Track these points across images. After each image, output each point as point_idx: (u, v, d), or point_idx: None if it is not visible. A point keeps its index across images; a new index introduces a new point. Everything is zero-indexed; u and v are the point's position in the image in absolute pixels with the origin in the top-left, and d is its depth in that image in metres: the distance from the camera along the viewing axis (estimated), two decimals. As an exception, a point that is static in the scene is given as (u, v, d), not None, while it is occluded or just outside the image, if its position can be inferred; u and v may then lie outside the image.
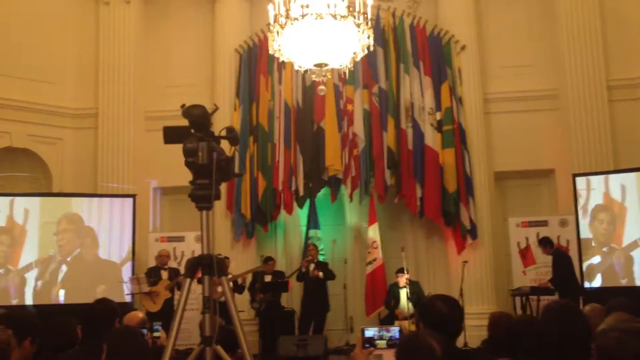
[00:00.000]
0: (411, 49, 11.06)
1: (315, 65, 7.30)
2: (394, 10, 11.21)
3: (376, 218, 10.99)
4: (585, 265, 10.12)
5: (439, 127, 10.79)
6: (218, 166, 3.21)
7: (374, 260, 10.84)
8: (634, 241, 9.91)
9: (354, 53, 7.41)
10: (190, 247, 10.65)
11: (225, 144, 3.35)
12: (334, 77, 10.26)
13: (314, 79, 7.81)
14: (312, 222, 11.17)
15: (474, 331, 7.90)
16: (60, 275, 10.54)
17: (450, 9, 11.18)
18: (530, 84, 11.17)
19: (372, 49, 7.68)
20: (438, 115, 10.81)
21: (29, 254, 10.43)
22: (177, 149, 3.27)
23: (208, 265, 3.22)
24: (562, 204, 10.89)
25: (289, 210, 11.00)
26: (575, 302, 7.54)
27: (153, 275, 9.96)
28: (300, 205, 11.12)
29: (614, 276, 10.02)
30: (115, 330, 3.50)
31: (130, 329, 3.78)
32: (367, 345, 3.24)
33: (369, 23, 7.34)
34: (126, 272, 10.61)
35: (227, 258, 9.20)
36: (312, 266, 10.35)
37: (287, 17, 7.08)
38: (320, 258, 10.72)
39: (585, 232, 10.24)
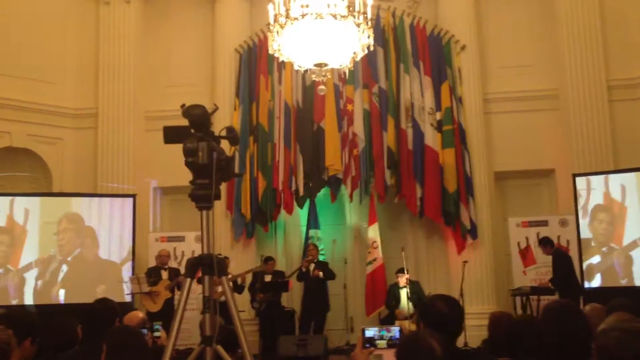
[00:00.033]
0: (411, 48, 11.06)
1: (315, 65, 7.30)
2: (394, 10, 11.21)
3: (376, 218, 10.99)
4: (584, 265, 10.12)
5: (439, 127, 10.79)
6: (218, 166, 3.21)
7: (374, 260, 10.84)
8: (634, 241, 9.91)
9: (354, 53, 7.41)
10: (191, 247, 10.65)
11: (225, 144, 3.35)
12: (334, 77, 10.26)
13: (314, 78, 7.81)
14: (312, 222, 11.16)
15: (475, 331, 7.90)
16: (61, 275, 10.54)
17: (450, 8, 11.18)
18: (531, 84, 11.17)
19: (372, 48, 7.68)
20: (438, 115, 10.81)
21: (29, 253, 10.43)
22: (177, 148, 3.27)
23: (208, 265, 3.22)
24: (562, 203, 10.89)
25: (289, 210, 11.01)
26: (576, 302, 7.54)
27: (153, 275, 9.96)
28: (301, 205, 11.12)
29: (613, 276, 10.02)
30: (114, 330, 3.50)
31: (129, 329, 3.78)
32: (367, 345, 3.23)
33: (369, 23, 7.34)
34: (126, 272, 10.61)
35: (227, 258, 9.20)
36: (312, 266, 10.35)
37: (287, 16, 7.07)
38: (321, 258, 10.72)
39: (585, 232, 10.24)
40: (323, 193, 11.14)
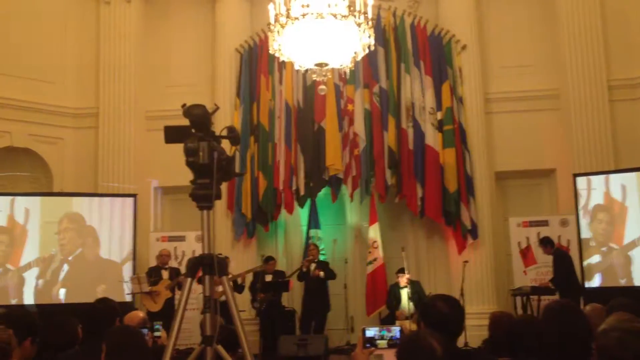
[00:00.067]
0: (412, 48, 11.06)
1: (316, 65, 7.30)
2: (394, 10, 11.21)
3: (377, 218, 10.98)
4: (584, 264, 10.12)
5: (439, 126, 10.79)
6: (219, 166, 3.21)
7: (375, 260, 10.84)
8: (633, 241, 9.91)
9: (355, 53, 7.41)
10: (191, 246, 10.65)
11: (226, 144, 3.35)
12: (334, 77, 10.26)
13: (314, 78, 7.81)
14: (313, 221, 11.17)
15: (475, 331, 7.89)
16: (62, 275, 10.55)
17: (451, 8, 11.17)
18: (531, 83, 11.16)
19: (372, 48, 7.69)
20: (439, 115, 10.81)
21: (29, 253, 10.45)
22: (178, 148, 3.27)
23: (209, 265, 3.22)
24: (563, 203, 10.89)
25: (290, 210, 11.01)
26: (576, 302, 7.54)
27: (154, 274, 9.96)
28: (301, 205, 11.12)
29: (613, 276, 10.02)
30: (114, 330, 3.49)
31: (129, 328, 3.78)
32: (367, 345, 3.23)
33: (370, 22, 7.34)
34: (127, 271, 10.62)
35: (227, 258, 9.19)
36: (312, 266, 10.35)
37: (288, 16, 7.07)
38: (321, 258, 10.73)
39: (585, 232, 10.24)
40: (324, 193, 11.13)
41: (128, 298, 10.17)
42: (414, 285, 10.25)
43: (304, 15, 6.96)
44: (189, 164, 3.24)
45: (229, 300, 3.26)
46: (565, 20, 10.93)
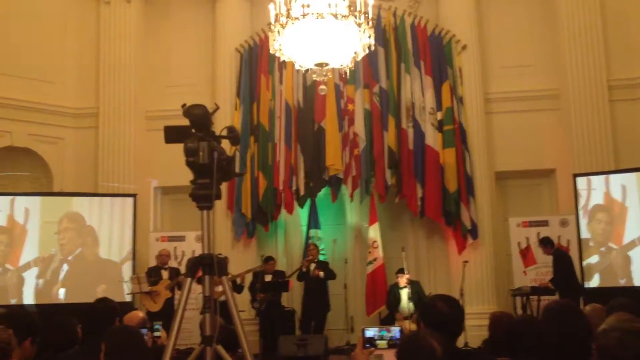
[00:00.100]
0: (412, 48, 11.06)
1: (316, 65, 7.30)
2: (395, 10, 11.21)
3: (377, 218, 10.98)
4: (584, 265, 10.12)
5: (439, 126, 10.79)
6: (219, 166, 3.21)
7: (375, 260, 10.84)
8: (632, 241, 9.91)
9: (355, 53, 7.41)
10: (191, 246, 10.65)
11: (226, 144, 3.35)
12: (334, 77, 10.26)
13: (314, 78, 7.81)
14: (313, 221, 11.16)
15: (475, 331, 7.90)
16: (62, 274, 10.55)
17: (451, 8, 11.17)
18: (531, 84, 11.16)
19: (373, 48, 7.69)
20: (439, 115, 10.81)
21: (29, 253, 10.44)
22: (178, 148, 3.27)
23: (209, 265, 3.22)
24: (563, 204, 10.89)
25: (290, 210, 11.01)
26: (576, 302, 7.54)
27: (153, 274, 9.96)
28: (301, 205, 11.12)
29: (612, 276, 10.02)
30: (113, 330, 3.49)
31: (128, 328, 3.78)
32: (367, 345, 3.23)
33: (370, 23, 7.34)
34: (126, 271, 10.62)
35: (226, 258, 9.18)
36: (312, 266, 10.35)
37: (288, 16, 7.07)
38: (321, 258, 10.72)
39: (585, 232, 10.24)
40: (324, 193, 11.13)
41: (128, 298, 10.16)
42: (414, 285, 10.25)
43: (304, 15, 6.96)
44: (189, 164, 3.25)
45: (229, 300, 3.26)
46: (566, 20, 10.93)
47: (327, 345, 9.40)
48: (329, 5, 6.93)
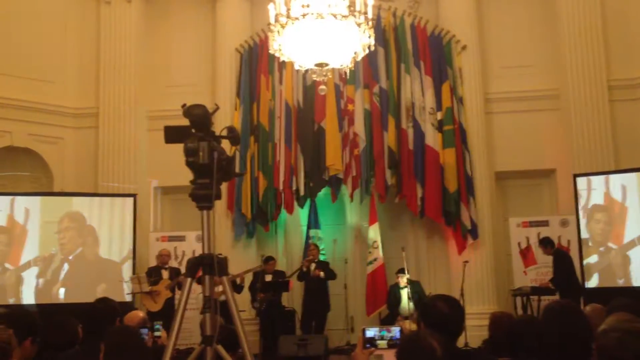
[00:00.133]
0: (412, 48, 11.06)
1: (316, 65, 7.30)
2: (394, 10, 11.21)
3: (377, 218, 10.98)
4: (583, 264, 10.13)
5: (439, 127, 10.78)
6: (219, 166, 3.21)
7: (375, 260, 10.84)
8: (632, 240, 9.91)
9: (355, 53, 7.40)
10: (191, 246, 10.65)
11: (226, 144, 3.35)
12: (334, 77, 10.26)
13: (314, 78, 7.81)
14: (313, 221, 11.16)
15: (475, 331, 7.90)
16: (62, 274, 10.55)
17: (451, 8, 11.17)
18: (531, 84, 11.16)
19: (372, 48, 7.68)
20: (439, 115, 10.81)
21: (29, 253, 10.44)
22: (178, 148, 3.27)
23: (209, 265, 3.22)
24: (563, 204, 10.89)
25: (290, 210, 11.01)
26: (576, 302, 7.54)
27: (154, 274, 9.96)
28: (301, 205, 11.12)
29: (611, 276, 10.02)
30: (112, 330, 3.49)
31: (127, 328, 3.78)
32: (367, 345, 3.23)
33: (370, 23, 7.34)
34: (127, 271, 10.62)
35: (225, 258, 9.17)
36: (313, 266, 10.35)
37: (288, 16, 7.07)
38: (321, 258, 10.72)
39: (584, 232, 10.24)
40: (324, 193, 11.13)
41: (128, 298, 10.16)
42: (414, 285, 10.25)
43: (304, 15, 6.96)
44: (189, 164, 3.25)
45: (229, 300, 3.26)
46: (566, 21, 10.93)
47: (327, 345, 9.40)
48: (329, 6, 6.93)
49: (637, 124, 10.68)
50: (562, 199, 10.92)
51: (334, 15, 6.93)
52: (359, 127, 10.76)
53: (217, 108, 3.63)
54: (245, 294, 10.00)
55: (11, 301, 10.19)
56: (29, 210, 10.46)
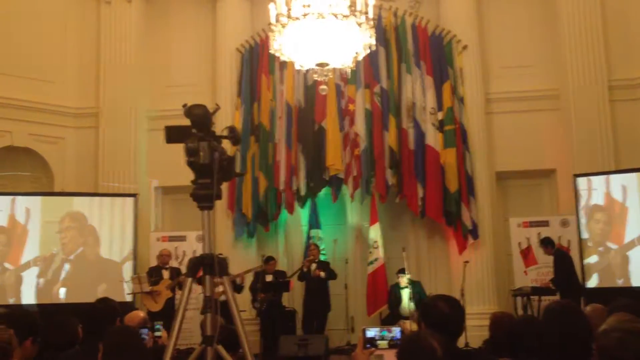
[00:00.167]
0: (413, 48, 11.06)
1: (317, 65, 7.29)
2: (395, 10, 11.21)
3: (377, 218, 10.97)
4: (583, 264, 10.13)
5: (440, 126, 10.78)
6: (219, 166, 3.22)
7: (375, 260, 10.84)
8: (631, 240, 9.91)
9: (356, 52, 7.40)
10: (192, 246, 10.66)
11: (226, 144, 3.35)
12: (335, 77, 10.23)
13: (315, 78, 7.80)
14: (314, 221, 11.17)
15: (475, 331, 7.89)
16: (63, 274, 10.56)
17: (452, 8, 11.17)
18: (532, 84, 11.16)
19: (373, 48, 7.67)
20: (439, 115, 10.81)
21: (30, 253, 10.46)
22: (179, 148, 3.27)
23: (209, 265, 3.22)
24: (563, 204, 10.89)
25: (290, 210, 11.01)
26: (577, 303, 7.54)
27: (154, 274, 9.96)
28: (302, 205, 11.12)
29: (610, 276, 10.02)
30: (111, 330, 3.49)
31: (126, 328, 3.78)
32: (368, 345, 3.23)
33: (371, 22, 7.33)
34: (127, 271, 10.62)
35: (226, 258, 9.17)
36: (313, 266, 10.35)
37: (289, 16, 7.07)
38: (322, 258, 10.72)
39: (584, 232, 10.24)
40: (324, 193, 11.13)
41: (128, 298, 10.16)
42: (415, 285, 10.25)
43: (305, 15, 6.95)
44: (189, 164, 3.25)
45: (230, 300, 3.26)
46: (566, 21, 10.93)
47: (327, 346, 9.39)
48: (330, 5, 6.93)
49: (637, 124, 10.67)
50: (563, 199, 10.92)
51: (334, 15, 6.92)
52: (360, 127, 10.76)
53: (218, 108, 3.63)
54: (246, 294, 10.00)
55: (11, 301, 10.20)
56: (29, 210, 10.47)
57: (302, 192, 10.93)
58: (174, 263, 10.43)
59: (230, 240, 10.93)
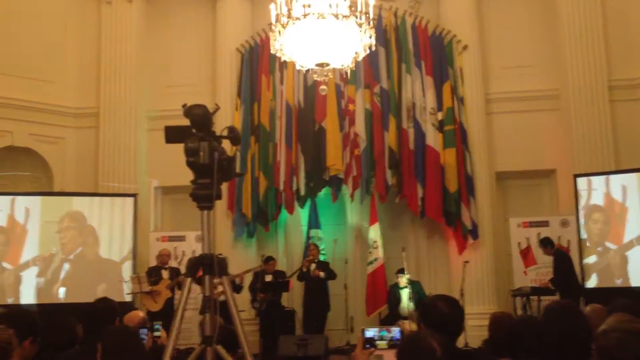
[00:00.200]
0: (413, 48, 11.06)
1: (317, 65, 7.30)
2: (395, 10, 11.21)
3: (377, 218, 10.98)
4: (583, 265, 10.14)
5: (440, 127, 10.78)
6: (219, 166, 3.22)
7: (375, 260, 10.84)
8: (630, 241, 9.91)
9: (356, 53, 7.40)
10: (191, 246, 10.66)
11: (226, 144, 3.35)
12: (335, 77, 10.26)
13: (315, 78, 7.81)
14: (313, 221, 11.17)
15: (475, 331, 7.90)
16: (62, 273, 10.55)
17: (452, 9, 11.17)
18: (532, 84, 11.16)
19: (373, 48, 7.68)
20: (439, 115, 10.81)
21: (29, 253, 10.45)
22: (178, 148, 3.27)
23: (209, 265, 3.22)
24: (563, 204, 10.89)
25: (290, 210, 11.01)
26: (576, 303, 7.54)
27: (154, 274, 9.96)
28: (302, 205, 11.12)
29: (609, 276, 10.03)
30: (109, 330, 3.49)
31: (124, 328, 3.78)
32: (367, 345, 3.23)
33: (371, 23, 7.34)
34: (127, 271, 10.62)
35: (225, 258, 9.17)
36: (313, 266, 10.35)
37: (289, 16, 7.07)
38: (321, 258, 10.72)
39: (582, 232, 10.24)
40: (324, 193, 11.14)
41: (128, 298, 10.16)
42: (414, 285, 10.26)
43: (305, 15, 6.95)
44: (189, 164, 3.25)
45: (229, 300, 3.26)
46: (566, 21, 10.93)
47: (327, 346, 9.39)
48: (330, 6, 6.93)
49: (637, 124, 10.67)
50: (563, 199, 10.92)
51: (335, 15, 6.93)
52: (360, 127, 10.76)
53: (218, 108, 3.63)
54: (245, 294, 10.00)
55: (9, 301, 10.20)
56: (29, 210, 10.47)
57: (302, 192, 10.93)
58: (173, 263, 10.43)
59: (230, 240, 10.94)
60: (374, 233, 10.95)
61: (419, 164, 10.70)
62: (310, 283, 10.35)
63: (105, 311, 4.07)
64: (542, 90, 11.14)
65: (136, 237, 10.84)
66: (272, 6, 7.26)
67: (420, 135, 10.78)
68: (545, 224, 10.63)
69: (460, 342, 4.18)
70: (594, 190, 10.23)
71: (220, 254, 3.35)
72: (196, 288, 3.34)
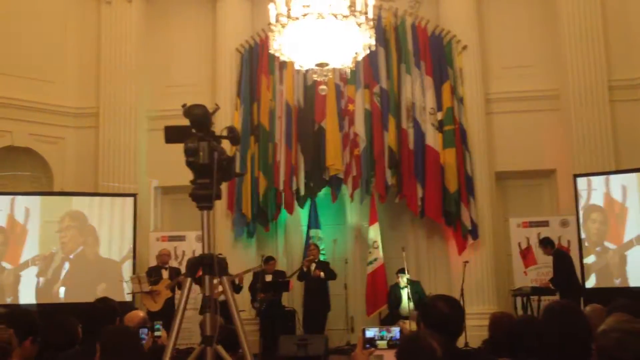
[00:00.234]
0: (412, 48, 11.06)
1: (317, 65, 7.30)
2: (395, 10, 11.21)
3: (377, 218, 10.98)
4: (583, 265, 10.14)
5: (440, 127, 10.78)
6: (219, 166, 3.21)
7: (375, 260, 10.84)
8: (630, 240, 9.91)
9: (356, 53, 7.41)
10: (191, 246, 10.67)
11: (226, 144, 3.35)
12: (335, 77, 10.25)
13: (315, 78, 7.81)
14: (313, 221, 11.17)
15: (475, 331, 7.88)
16: (63, 273, 10.56)
17: (451, 9, 11.17)
18: (532, 84, 11.16)
19: (373, 48, 7.69)
20: (439, 115, 10.81)
21: (29, 252, 10.45)
22: (178, 148, 3.27)
23: (209, 265, 3.22)
24: (563, 204, 10.89)
25: (290, 210, 11.01)
26: (576, 303, 7.54)
27: (154, 274, 9.96)
28: (301, 205, 11.12)
29: (608, 276, 10.03)
30: (108, 330, 3.49)
31: (123, 329, 3.78)
32: (367, 345, 3.23)
33: (371, 23, 7.34)
34: (127, 271, 10.62)
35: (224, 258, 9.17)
36: (313, 266, 10.36)
37: (289, 16, 7.07)
38: (321, 258, 10.73)
39: (582, 232, 10.25)
40: (324, 193, 11.14)
41: (128, 297, 10.16)
42: (414, 285, 10.26)
43: (304, 15, 6.96)
44: (189, 164, 3.24)
45: (229, 300, 3.26)
46: (566, 21, 10.93)
47: (327, 346, 9.38)
48: (330, 5, 6.93)
49: (637, 125, 10.67)
50: (562, 199, 10.92)
51: (334, 15, 6.93)
52: (360, 127, 10.76)
53: (218, 108, 3.62)
54: (246, 294, 10.00)
55: (8, 300, 10.20)
56: (29, 210, 10.48)
57: (302, 192, 10.93)
58: (173, 263, 10.43)
59: (230, 240, 10.94)
60: (374, 233, 10.96)
61: (419, 164, 10.70)
62: (310, 283, 10.35)
63: (105, 311, 4.07)
64: (542, 90, 11.15)
65: (136, 237, 10.84)
66: (271, 6, 7.25)
67: (419, 135, 10.78)
68: (545, 224, 10.63)
69: (460, 342, 4.19)
70: (594, 191, 10.23)
71: (220, 254, 3.34)
72: (196, 288, 3.34)
